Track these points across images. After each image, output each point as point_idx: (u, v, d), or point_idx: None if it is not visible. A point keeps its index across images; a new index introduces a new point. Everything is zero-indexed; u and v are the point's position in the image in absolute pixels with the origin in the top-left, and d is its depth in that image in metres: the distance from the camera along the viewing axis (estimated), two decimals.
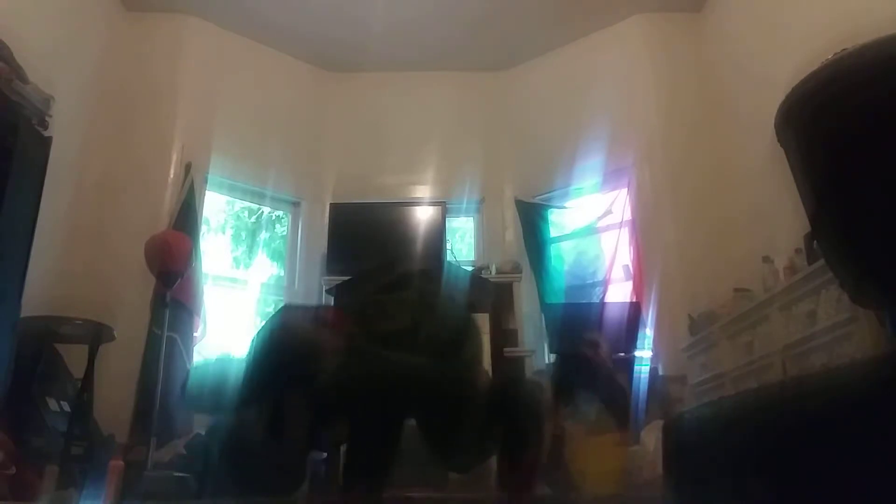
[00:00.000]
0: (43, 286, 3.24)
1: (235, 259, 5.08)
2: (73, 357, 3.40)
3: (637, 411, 3.40)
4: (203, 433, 3.56)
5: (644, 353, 3.81)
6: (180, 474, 3.03)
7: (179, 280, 3.54)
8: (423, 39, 5.06)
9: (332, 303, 3.75)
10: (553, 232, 4.84)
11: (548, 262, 4.67)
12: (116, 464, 2.75)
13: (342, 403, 1.71)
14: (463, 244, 5.28)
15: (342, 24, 4.87)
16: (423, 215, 4.81)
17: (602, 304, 4.27)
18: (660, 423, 3.02)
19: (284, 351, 1.76)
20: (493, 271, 4.10)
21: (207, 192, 4.65)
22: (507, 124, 5.30)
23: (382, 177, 5.11)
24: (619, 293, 4.39)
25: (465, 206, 5.09)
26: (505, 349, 3.44)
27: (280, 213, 5.18)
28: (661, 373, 3.85)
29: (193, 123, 4.61)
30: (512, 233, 4.98)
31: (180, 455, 3.28)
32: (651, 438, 2.98)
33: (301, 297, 4.83)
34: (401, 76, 5.32)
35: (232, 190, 4.89)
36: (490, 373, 2.64)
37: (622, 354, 3.75)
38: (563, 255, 4.90)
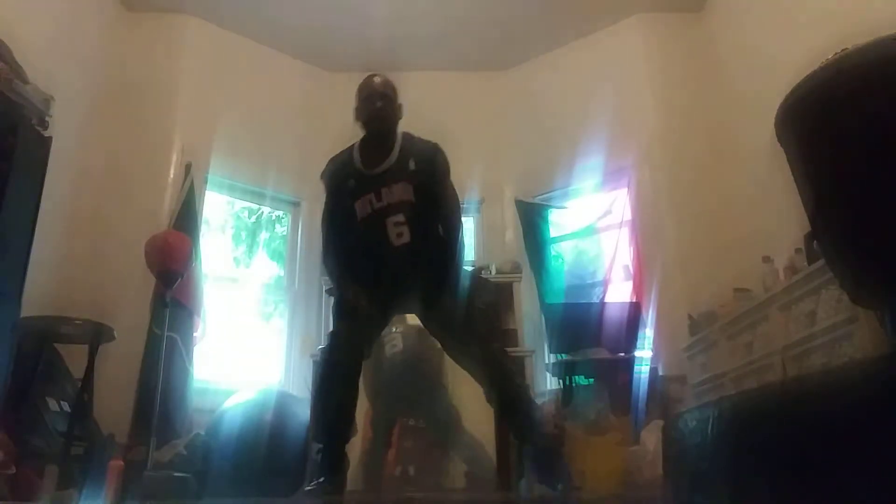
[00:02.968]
0: (43, 286, 3.24)
1: (235, 259, 5.07)
2: (73, 357, 3.40)
3: (637, 411, 3.41)
4: (203, 433, 3.56)
5: (644, 353, 3.81)
6: (180, 474, 3.03)
7: (179, 280, 3.54)
8: (423, 39, 5.06)
9: (332, 303, 3.75)
10: (553, 232, 4.83)
11: (548, 262, 4.66)
12: (116, 464, 2.76)
13: None
14: None
15: (342, 23, 4.87)
16: None
17: (602, 304, 4.27)
18: (660, 423, 3.02)
19: None
20: (493, 271, 4.09)
21: (207, 192, 4.65)
22: (506, 124, 5.30)
23: None
24: (619, 293, 4.39)
25: (464, 205, 5.07)
26: (505, 349, 3.43)
27: (280, 213, 5.17)
28: (661, 373, 3.85)
29: (193, 123, 4.61)
30: (512, 233, 4.98)
31: (180, 455, 3.28)
32: (651, 438, 2.98)
33: (301, 296, 4.83)
34: (401, 76, 5.28)
35: (232, 190, 4.89)
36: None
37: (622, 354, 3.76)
38: (563, 255, 4.89)
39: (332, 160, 2.55)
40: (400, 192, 2.36)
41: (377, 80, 2.52)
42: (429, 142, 2.52)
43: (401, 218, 2.35)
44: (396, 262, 2.37)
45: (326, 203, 2.55)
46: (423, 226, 2.37)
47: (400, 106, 2.54)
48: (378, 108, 2.42)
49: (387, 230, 2.35)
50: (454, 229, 2.42)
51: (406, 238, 2.35)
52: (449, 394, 3.50)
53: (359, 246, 2.43)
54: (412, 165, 2.40)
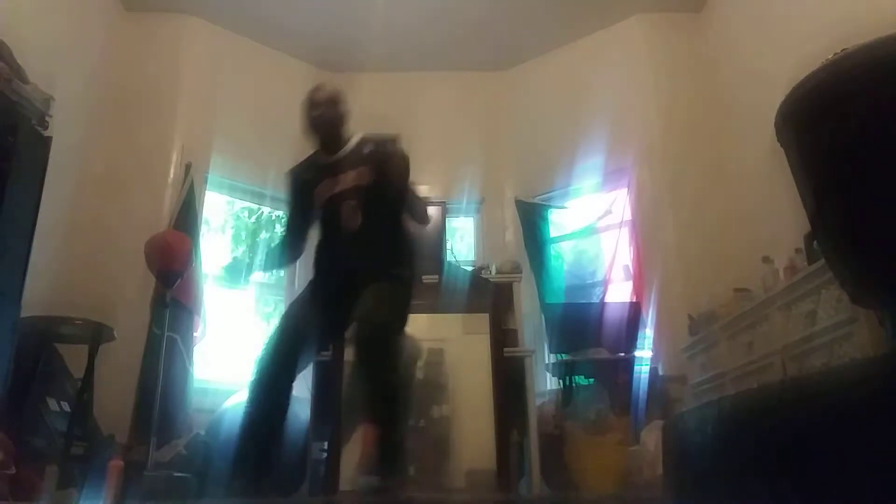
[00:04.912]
0: (43, 286, 3.24)
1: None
2: (73, 357, 3.40)
3: (637, 411, 3.41)
4: (203, 433, 3.56)
5: (644, 353, 3.81)
6: (180, 474, 3.03)
7: (179, 280, 3.54)
8: (423, 39, 5.07)
9: None
10: (553, 232, 4.84)
11: (548, 262, 4.66)
12: (116, 464, 2.75)
13: None
14: (463, 244, 5.27)
15: (342, 24, 4.87)
16: None
17: (602, 304, 4.27)
18: (660, 423, 3.02)
19: None
20: (493, 271, 4.08)
21: (207, 192, 4.65)
22: (507, 124, 5.30)
23: None
24: (619, 293, 4.39)
25: (465, 206, 5.08)
26: (505, 349, 3.44)
27: (280, 213, 5.17)
28: (661, 373, 3.85)
29: (193, 123, 4.61)
30: (512, 233, 4.98)
31: (180, 455, 3.28)
32: (651, 438, 2.99)
33: None
34: (401, 76, 5.31)
35: (232, 190, 4.89)
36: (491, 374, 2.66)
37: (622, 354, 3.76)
38: (563, 255, 4.89)
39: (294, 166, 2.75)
40: (353, 177, 2.48)
41: (317, 92, 2.64)
42: (389, 134, 2.62)
43: (353, 203, 2.47)
44: (346, 244, 2.46)
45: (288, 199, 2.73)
46: (375, 209, 2.45)
47: (346, 111, 2.64)
48: (314, 115, 2.58)
49: (340, 214, 2.47)
50: (400, 198, 2.52)
51: (357, 221, 2.44)
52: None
53: (319, 231, 2.58)
54: (366, 150, 2.52)
